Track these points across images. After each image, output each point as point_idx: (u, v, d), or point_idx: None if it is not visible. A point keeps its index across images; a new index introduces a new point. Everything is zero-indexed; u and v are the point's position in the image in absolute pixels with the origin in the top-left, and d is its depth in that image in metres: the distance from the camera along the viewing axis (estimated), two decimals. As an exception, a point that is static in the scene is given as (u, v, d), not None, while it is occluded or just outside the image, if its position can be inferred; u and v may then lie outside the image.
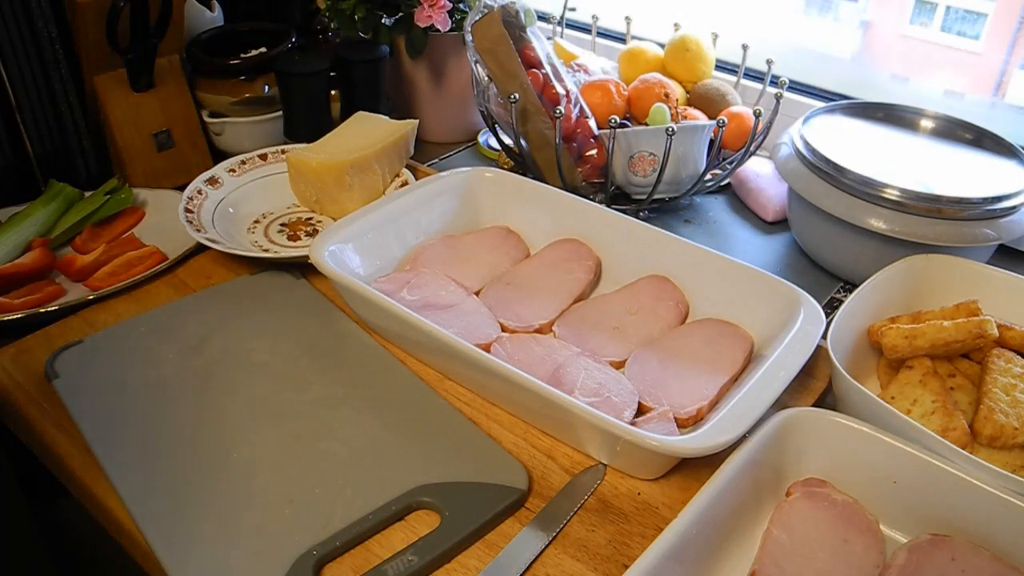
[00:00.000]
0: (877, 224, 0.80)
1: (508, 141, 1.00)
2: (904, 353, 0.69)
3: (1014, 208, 0.80)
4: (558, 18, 1.19)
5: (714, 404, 0.67)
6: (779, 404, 0.62)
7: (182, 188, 0.91)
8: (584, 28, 1.23)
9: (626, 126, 0.98)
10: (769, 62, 1.03)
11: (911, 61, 1.15)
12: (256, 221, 0.93)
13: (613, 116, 0.89)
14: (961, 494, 0.56)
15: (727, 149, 1.01)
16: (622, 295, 0.79)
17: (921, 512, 0.58)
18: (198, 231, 0.84)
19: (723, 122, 0.90)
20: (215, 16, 1.11)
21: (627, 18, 1.17)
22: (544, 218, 0.86)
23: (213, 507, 0.58)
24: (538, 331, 0.75)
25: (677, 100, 1.01)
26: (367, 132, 0.93)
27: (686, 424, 0.66)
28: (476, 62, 0.93)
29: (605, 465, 0.64)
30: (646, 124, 0.98)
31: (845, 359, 0.67)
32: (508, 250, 0.85)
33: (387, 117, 0.97)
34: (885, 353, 0.70)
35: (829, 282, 0.90)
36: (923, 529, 0.57)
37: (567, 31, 1.22)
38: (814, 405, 0.68)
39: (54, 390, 0.67)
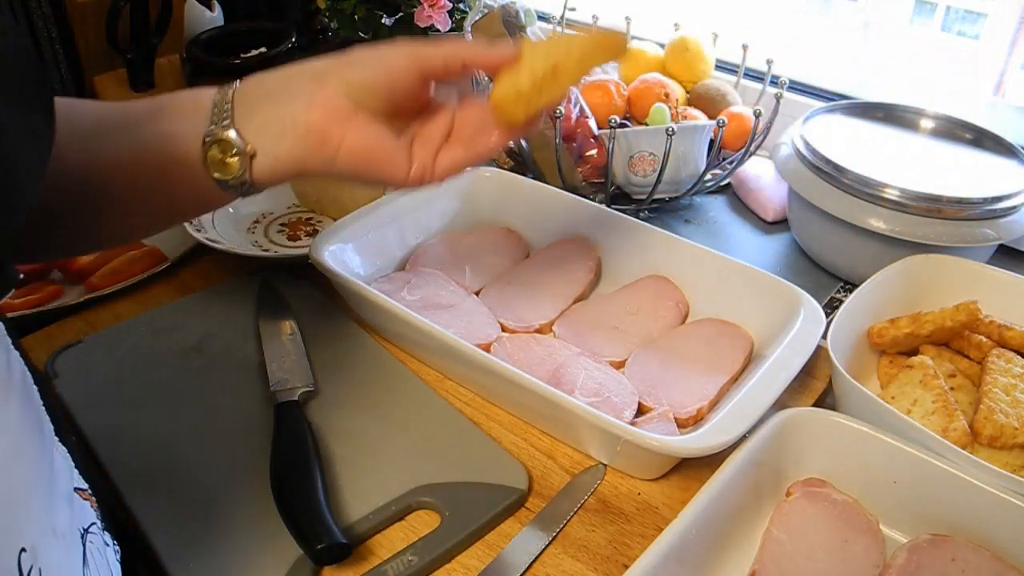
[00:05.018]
0: (877, 224, 0.80)
1: (508, 141, 1.00)
2: (905, 342, 0.71)
3: (1014, 208, 0.80)
4: (558, 18, 1.19)
5: (714, 404, 0.67)
6: (779, 404, 0.62)
7: (182, 188, 0.90)
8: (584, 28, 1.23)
9: (626, 126, 0.98)
10: (769, 62, 1.03)
11: (911, 61, 1.15)
12: (256, 221, 0.93)
13: (613, 116, 0.89)
14: (961, 494, 0.56)
15: (727, 149, 1.01)
16: (622, 295, 0.79)
17: (921, 512, 0.58)
18: (198, 231, 0.84)
19: (723, 122, 0.90)
20: (215, 16, 1.11)
21: (627, 18, 1.17)
22: (544, 218, 0.86)
23: (214, 506, 0.58)
24: (538, 331, 0.75)
25: (677, 100, 1.01)
26: (367, 132, 0.93)
27: (686, 424, 0.66)
28: (476, 62, 0.93)
29: (605, 465, 0.64)
30: (646, 124, 0.98)
31: (845, 359, 0.67)
32: (508, 250, 0.85)
33: (387, 117, 0.96)
34: (887, 348, 0.71)
35: (829, 282, 0.90)
36: (923, 529, 0.57)
37: (567, 31, 1.22)
38: (814, 405, 0.68)
39: (54, 390, 0.67)
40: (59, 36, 0.91)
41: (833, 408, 0.64)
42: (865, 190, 0.81)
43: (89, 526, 0.40)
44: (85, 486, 0.42)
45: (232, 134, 0.52)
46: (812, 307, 0.69)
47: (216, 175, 0.53)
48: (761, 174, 1.04)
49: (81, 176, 0.52)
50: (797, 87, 1.11)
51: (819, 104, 0.97)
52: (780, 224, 1.00)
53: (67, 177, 0.50)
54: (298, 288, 0.80)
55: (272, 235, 0.90)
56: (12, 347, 0.36)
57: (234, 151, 0.52)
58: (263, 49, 1.04)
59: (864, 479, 0.60)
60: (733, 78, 1.09)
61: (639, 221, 0.82)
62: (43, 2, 0.89)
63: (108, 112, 0.55)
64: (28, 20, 0.89)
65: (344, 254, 0.77)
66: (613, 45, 0.56)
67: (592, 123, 0.96)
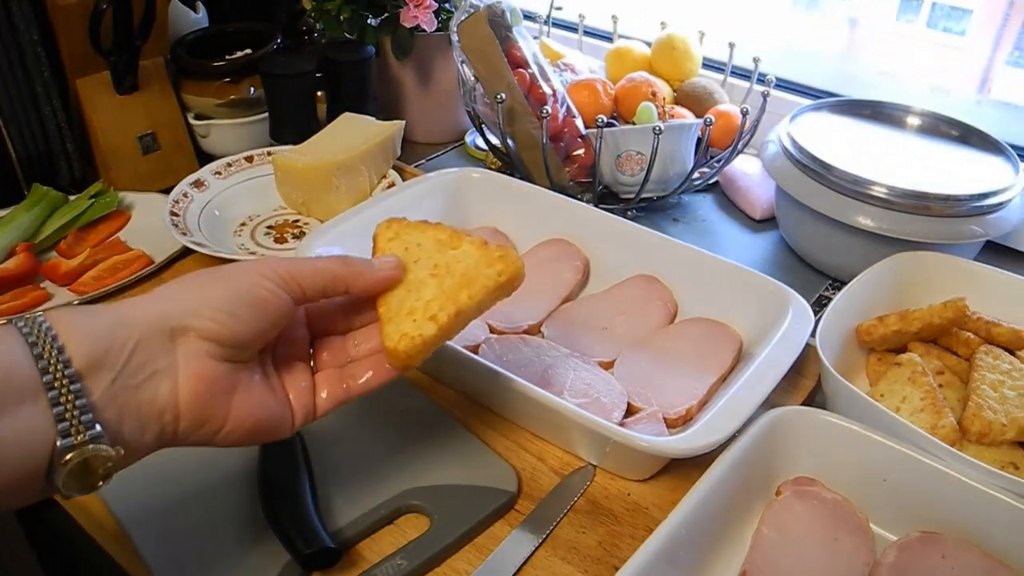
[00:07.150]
0: (865, 222, 0.80)
1: (495, 141, 0.99)
2: (894, 340, 0.71)
3: (1001, 204, 0.80)
4: (544, 17, 1.19)
5: (703, 404, 0.67)
6: (768, 403, 0.62)
7: (168, 191, 0.90)
8: (570, 27, 1.23)
9: (613, 125, 0.98)
10: (756, 60, 1.03)
11: (897, 58, 1.16)
12: (242, 224, 0.92)
13: (600, 115, 0.89)
14: (950, 491, 0.56)
15: (715, 147, 1.01)
16: (610, 295, 0.79)
17: (911, 510, 0.58)
18: (184, 234, 0.83)
19: (710, 120, 0.90)
20: (199, 17, 1.10)
21: (614, 17, 1.17)
22: (532, 218, 0.86)
23: (202, 510, 0.57)
24: (526, 332, 0.75)
25: (664, 99, 1.01)
26: (353, 133, 0.93)
27: (675, 424, 0.66)
28: (462, 62, 0.93)
29: (595, 466, 0.64)
30: (633, 123, 0.98)
31: (834, 357, 0.67)
32: (496, 251, 0.85)
33: (373, 118, 0.96)
34: (875, 346, 0.71)
35: (817, 280, 0.90)
36: (913, 526, 0.57)
37: (553, 30, 1.21)
38: (803, 404, 0.68)
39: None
40: (40, 39, 0.91)
41: (822, 406, 0.64)
42: (853, 188, 0.81)
43: None
44: None
45: (100, 445, 0.38)
46: (801, 305, 0.69)
47: (68, 492, 0.39)
48: (749, 172, 1.04)
49: None
50: (784, 85, 1.11)
51: (806, 102, 0.97)
52: (768, 222, 1.00)
53: None
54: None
55: (259, 238, 0.90)
56: None
57: (105, 463, 0.39)
58: (248, 50, 1.04)
59: (854, 477, 0.60)
60: (720, 76, 1.09)
61: (627, 220, 0.82)
62: (24, 5, 0.88)
63: None
64: (9, 22, 0.88)
65: (331, 256, 0.76)
66: (510, 283, 0.55)
67: (579, 122, 0.96)
